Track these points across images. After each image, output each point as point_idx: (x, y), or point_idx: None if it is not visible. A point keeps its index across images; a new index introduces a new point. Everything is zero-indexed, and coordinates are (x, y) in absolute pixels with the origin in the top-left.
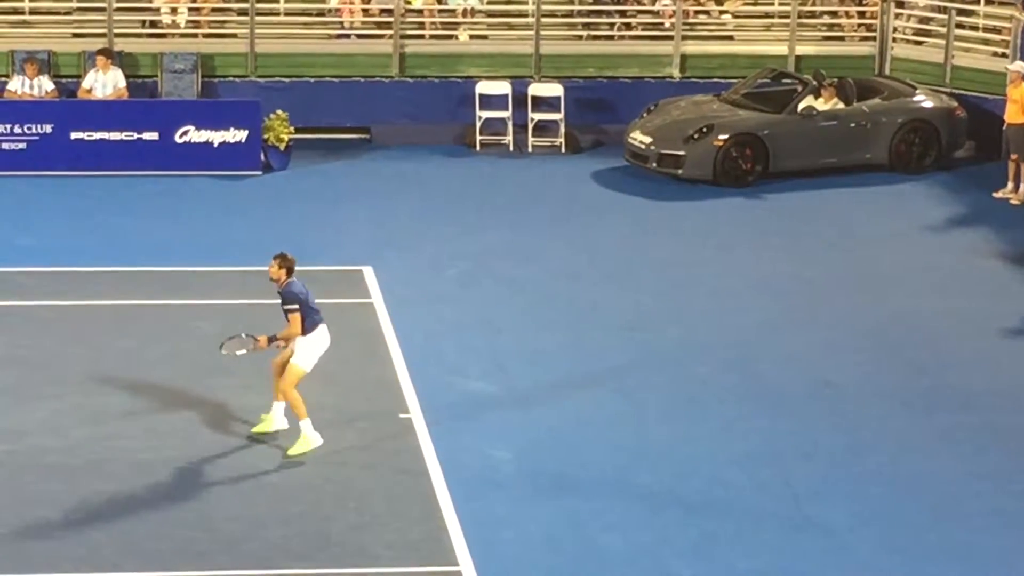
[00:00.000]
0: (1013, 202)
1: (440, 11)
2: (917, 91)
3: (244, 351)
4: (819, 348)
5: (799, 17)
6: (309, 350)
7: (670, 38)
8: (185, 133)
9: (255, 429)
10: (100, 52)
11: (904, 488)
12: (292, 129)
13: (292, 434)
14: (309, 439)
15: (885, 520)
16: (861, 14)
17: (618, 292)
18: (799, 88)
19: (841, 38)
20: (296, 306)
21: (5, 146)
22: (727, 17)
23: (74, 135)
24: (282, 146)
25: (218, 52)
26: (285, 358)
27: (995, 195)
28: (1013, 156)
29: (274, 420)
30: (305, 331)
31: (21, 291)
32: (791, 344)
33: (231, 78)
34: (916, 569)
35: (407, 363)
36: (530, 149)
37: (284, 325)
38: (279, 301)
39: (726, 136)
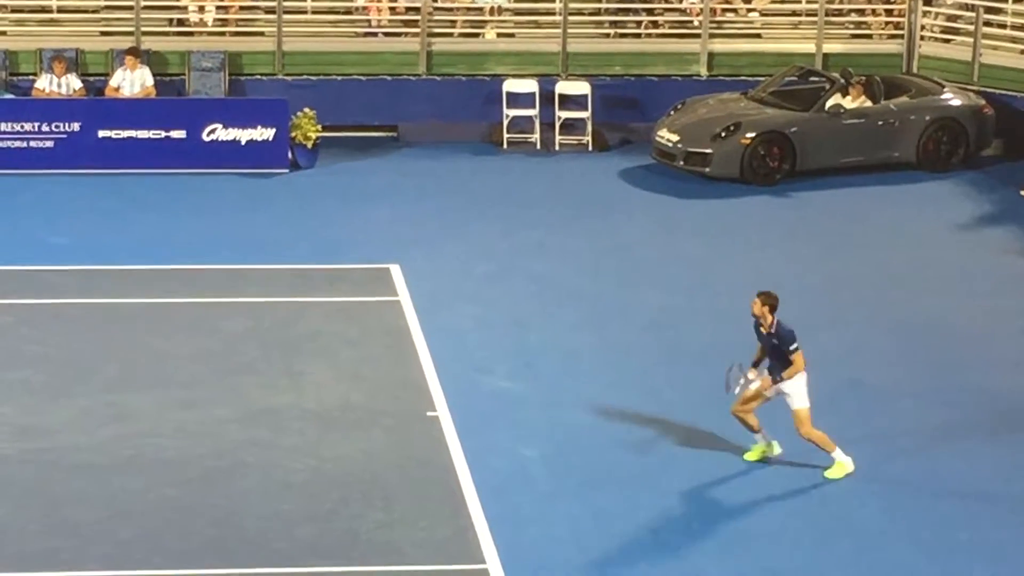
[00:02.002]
0: None
1: (467, 9)
2: (945, 89)
3: (756, 381)
4: (848, 347)
5: (827, 15)
6: (801, 389)
7: (697, 36)
8: (213, 131)
9: (748, 456)
10: (128, 51)
11: (935, 487)
12: (320, 127)
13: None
14: (844, 464)
15: (915, 519)
16: (889, 12)
17: (646, 290)
18: (827, 86)
19: (869, 36)
20: (797, 344)
21: (33, 144)
22: (754, 15)
23: (102, 133)
24: (310, 144)
25: (246, 50)
26: (750, 397)
27: (1023, 193)
28: None
29: (768, 444)
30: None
31: (49, 289)
32: (820, 343)
33: (258, 76)
34: (946, 568)
35: (434, 361)
36: (557, 147)
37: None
38: (766, 337)
39: (753, 134)
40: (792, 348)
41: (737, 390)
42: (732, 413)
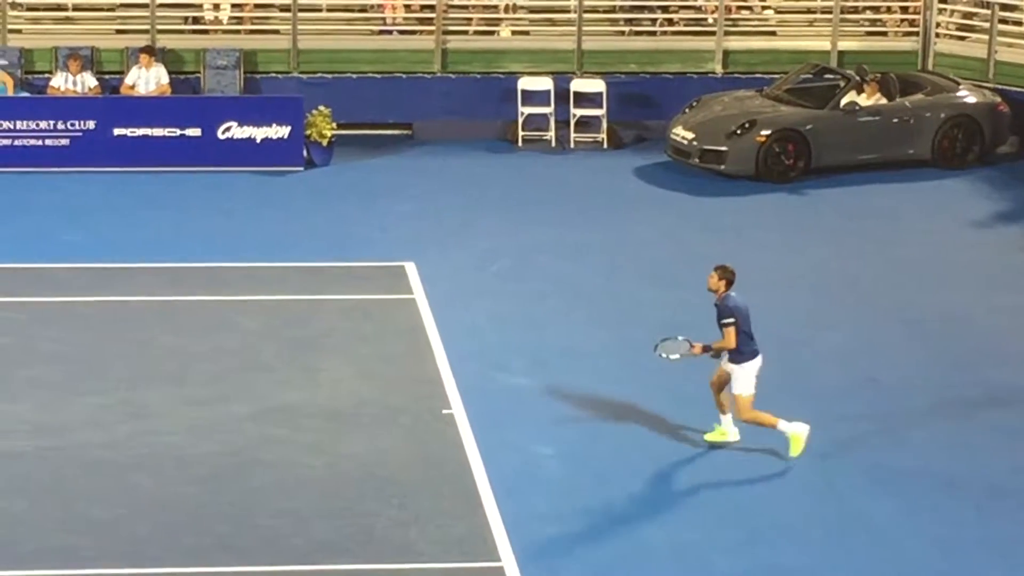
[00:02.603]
0: None
1: (483, 7)
2: (960, 86)
3: (678, 356)
4: (864, 344)
5: (842, 12)
6: (746, 377)
7: (712, 33)
8: (228, 129)
9: (708, 437)
10: (143, 49)
11: (948, 484)
12: (335, 125)
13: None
14: (796, 434)
15: (929, 515)
16: (904, 9)
17: (661, 288)
18: (842, 83)
19: (884, 33)
20: (732, 320)
21: (48, 142)
22: (769, 12)
23: (117, 131)
24: (325, 142)
25: (261, 48)
26: (722, 376)
27: None
28: None
29: (727, 432)
30: (739, 349)
31: (64, 287)
32: (835, 340)
33: (274, 74)
34: (960, 564)
35: (450, 359)
36: (572, 145)
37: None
38: (715, 313)
39: (769, 132)
40: (724, 322)
41: (675, 356)
42: (711, 384)
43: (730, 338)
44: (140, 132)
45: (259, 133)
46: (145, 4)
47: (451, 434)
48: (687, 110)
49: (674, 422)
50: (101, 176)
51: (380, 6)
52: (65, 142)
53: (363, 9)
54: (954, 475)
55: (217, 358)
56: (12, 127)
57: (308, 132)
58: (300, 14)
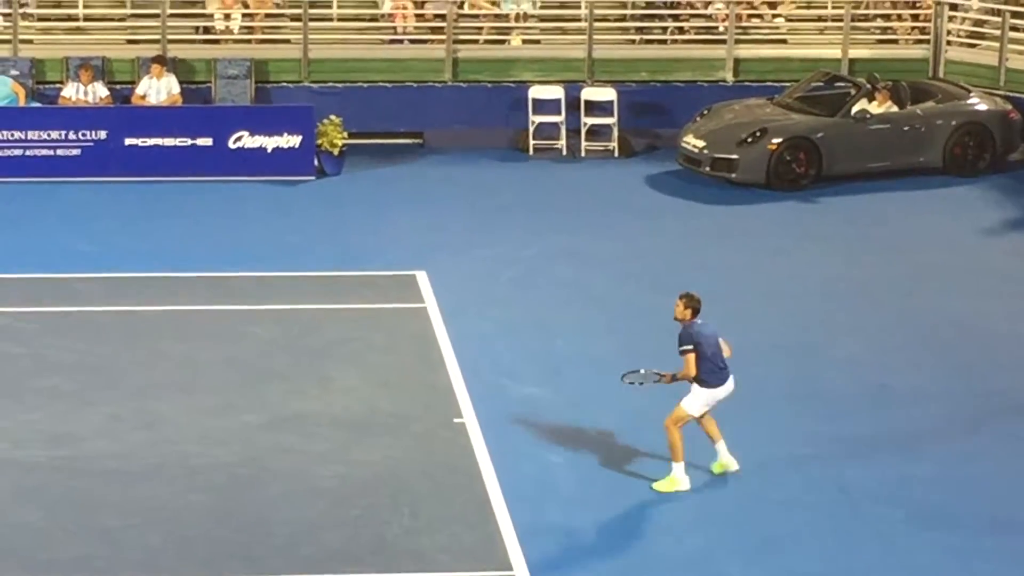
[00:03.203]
0: None
1: (493, 16)
2: (971, 94)
3: (644, 383)
4: (874, 351)
5: (852, 20)
6: (699, 400)
7: (723, 42)
8: (239, 139)
9: (715, 470)
10: (154, 59)
11: (960, 492)
12: (346, 134)
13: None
14: (677, 480)
15: (941, 524)
16: (914, 17)
17: (672, 296)
18: (852, 91)
19: (895, 41)
20: (691, 347)
21: (60, 152)
22: (780, 20)
23: (128, 141)
24: (336, 151)
25: (272, 58)
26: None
27: None
28: None
29: (725, 462)
30: (701, 377)
31: (76, 297)
32: (846, 347)
33: (284, 83)
34: (973, 573)
35: (461, 367)
36: (583, 153)
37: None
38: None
39: (779, 140)
40: (681, 350)
41: (641, 383)
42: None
43: (689, 366)
44: (151, 142)
45: (270, 142)
46: (156, 14)
47: (462, 443)
48: (698, 118)
49: (686, 430)
50: (112, 186)
51: (391, 15)
52: (76, 152)
53: (374, 19)
54: (968, 483)
55: (229, 367)
56: (24, 137)
57: (319, 141)
58: (311, 23)
